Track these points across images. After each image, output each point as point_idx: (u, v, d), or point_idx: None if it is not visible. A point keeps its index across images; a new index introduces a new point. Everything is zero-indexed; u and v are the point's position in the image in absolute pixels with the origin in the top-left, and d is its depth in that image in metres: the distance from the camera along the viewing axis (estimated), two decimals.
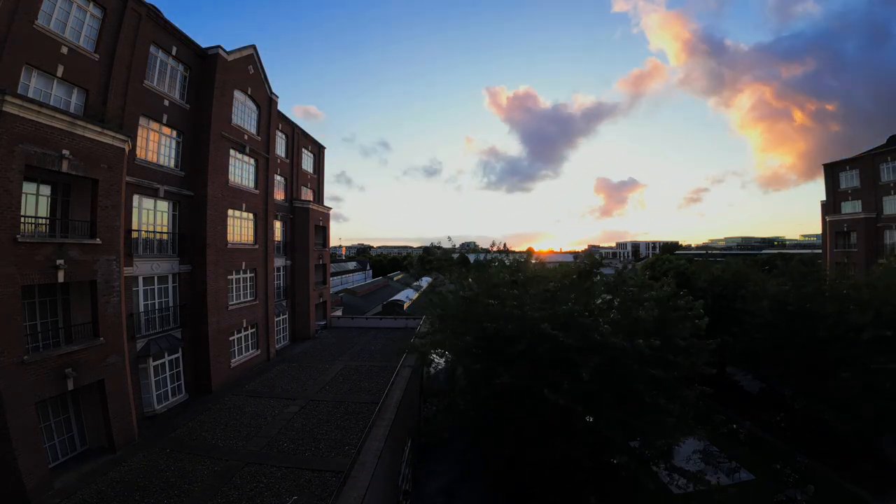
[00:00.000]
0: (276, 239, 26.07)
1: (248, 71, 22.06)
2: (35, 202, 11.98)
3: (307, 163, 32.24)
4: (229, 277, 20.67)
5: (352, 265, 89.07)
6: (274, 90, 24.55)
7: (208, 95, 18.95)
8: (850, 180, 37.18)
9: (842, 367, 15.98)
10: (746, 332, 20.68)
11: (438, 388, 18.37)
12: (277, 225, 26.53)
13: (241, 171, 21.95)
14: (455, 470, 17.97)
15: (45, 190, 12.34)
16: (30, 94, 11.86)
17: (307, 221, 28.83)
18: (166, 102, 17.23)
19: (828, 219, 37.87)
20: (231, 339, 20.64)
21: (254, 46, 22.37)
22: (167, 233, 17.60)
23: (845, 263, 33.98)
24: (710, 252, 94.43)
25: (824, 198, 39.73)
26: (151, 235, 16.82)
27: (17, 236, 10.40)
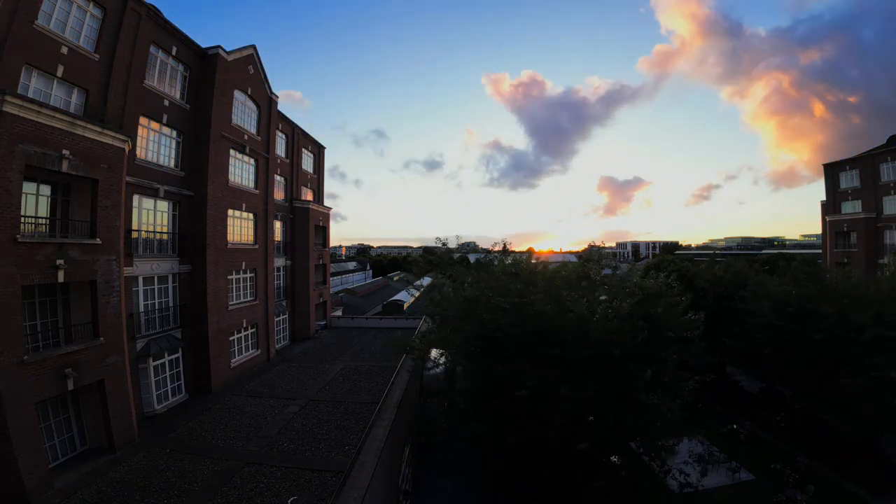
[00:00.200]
0: (276, 239, 26.07)
1: (248, 71, 22.07)
2: (35, 202, 11.98)
3: (307, 163, 32.25)
4: (229, 277, 20.67)
5: (352, 265, 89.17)
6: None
7: (208, 95, 18.95)
8: (850, 180, 37.16)
9: (842, 368, 15.97)
10: (747, 332, 20.66)
11: (438, 388, 18.37)
12: (277, 225, 26.54)
13: (241, 171, 21.95)
14: (455, 470, 17.95)
15: (45, 190, 12.34)
16: (30, 94, 11.86)
17: (307, 221, 28.83)
18: (166, 102, 17.23)
19: (828, 219, 37.86)
20: (231, 339, 20.64)
21: (254, 46, 22.37)
22: (167, 233, 17.60)
23: (845, 263, 34.00)
24: (714, 252, 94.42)
25: (824, 198, 39.76)
26: (151, 235, 16.82)
27: (17, 236, 10.40)
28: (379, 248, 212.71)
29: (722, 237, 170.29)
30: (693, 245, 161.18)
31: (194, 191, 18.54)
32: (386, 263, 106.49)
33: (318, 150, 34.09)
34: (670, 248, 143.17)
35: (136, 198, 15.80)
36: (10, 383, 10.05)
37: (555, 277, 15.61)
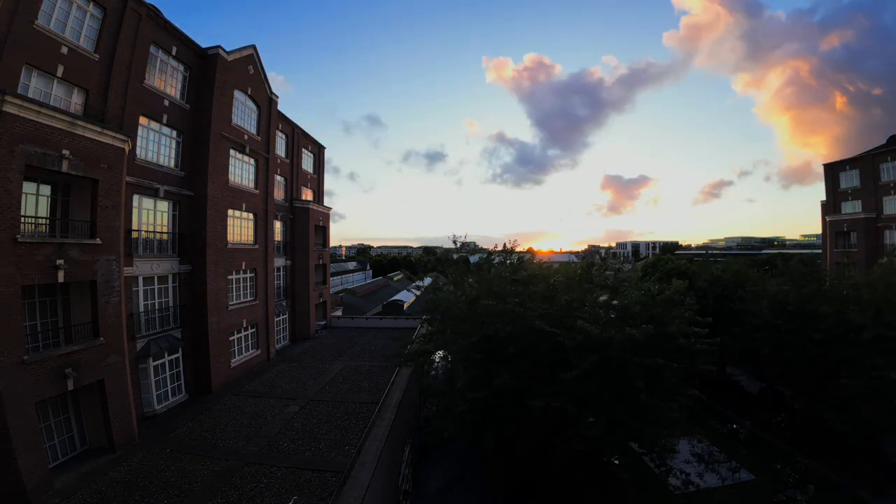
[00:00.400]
0: (276, 239, 26.06)
1: (248, 71, 22.07)
2: (35, 202, 11.97)
3: (307, 163, 32.24)
4: (229, 277, 20.67)
5: (352, 265, 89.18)
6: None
7: (208, 95, 18.95)
8: (850, 180, 37.17)
9: (842, 368, 15.97)
10: (746, 332, 20.68)
11: (438, 388, 18.37)
12: (277, 225, 26.53)
13: (241, 171, 21.94)
14: (455, 470, 17.96)
15: (45, 190, 12.33)
16: (30, 94, 11.86)
17: (307, 221, 28.83)
18: (166, 102, 17.23)
19: (828, 219, 37.86)
20: (231, 339, 20.64)
21: (253, 46, 22.37)
22: (167, 233, 17.60)
23: (845, 263, 34.01)
24: (709, 252, 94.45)
25: (824, 198, 39.77)
26: (151, 235, 16.81)
27: (17, 236, 10.40)
28: (379, 248, 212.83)
29: (722, 237, 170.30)
30: (693, 245, 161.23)
31: (194, 191, 18.54)
32: (386, 263, 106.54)
33: (318, 150, 34.11)
34: (670, 248, 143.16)
35: (136, 198, 15.79)
36: (10, 383, 10.04)
37: (556, 282, 15.59)
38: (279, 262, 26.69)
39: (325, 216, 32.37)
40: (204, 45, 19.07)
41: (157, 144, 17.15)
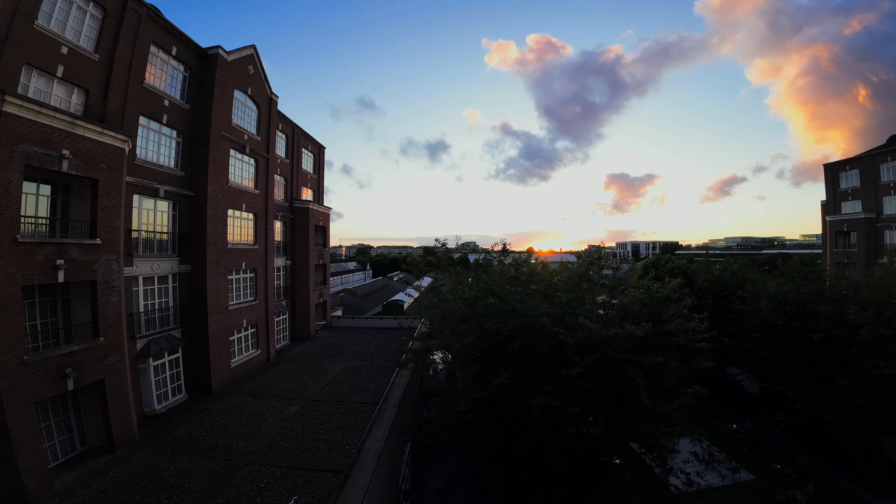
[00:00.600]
0: (276, 239, 26.07)
1: (248, 71, 22.07)
2: (35, 202, 11.97)
3: (307, 163, 32.25)
4: (229, 277, 20.67)
5: (352, 265, 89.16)
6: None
7: (208, 95, 18.95)
8: (850, 180, 37.17)
9: (841, 368, 15.96)
10: (746, 332, 20.69)
11: (438, 388, 18.38)
12: (277, 225, 26.54)
13: (241, 171, 21.95)
14: (455, 470, 17.95)
15: (45, 190, 12.33)
16: (30, 94, 11.87)
17: (307, 221, 28.84)
18: (166, 102, 17.23)
19: (828, 219, 37.86)
20: (231, 339, 20.64)
21: (254, 46, 22.38)
22: (167, 233, 17.60)
23: (845, 263, 34.02)
24: (709, 252, 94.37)
25: (824, 198, 39.79)
26: (151, 235, 16.82)
27: (18, 236, 10.40)
28: (379, 248, 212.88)
29: (722, 237, 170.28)
30: (693, 245, 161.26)
31: (194, 191, 18.54)
32: (386, 263, 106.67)
33: (318, 150, 34.12)
34: (670, 248, 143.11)
35: (136, 198, 15.79)
36: (10, 383, 10.04)
37: (555, 280, 15.61)
38: (279, 262, 26.69)
39: (325, 216, 32.39)
40: (204, 45, 19.08)
41: (157, 144, 17.15)
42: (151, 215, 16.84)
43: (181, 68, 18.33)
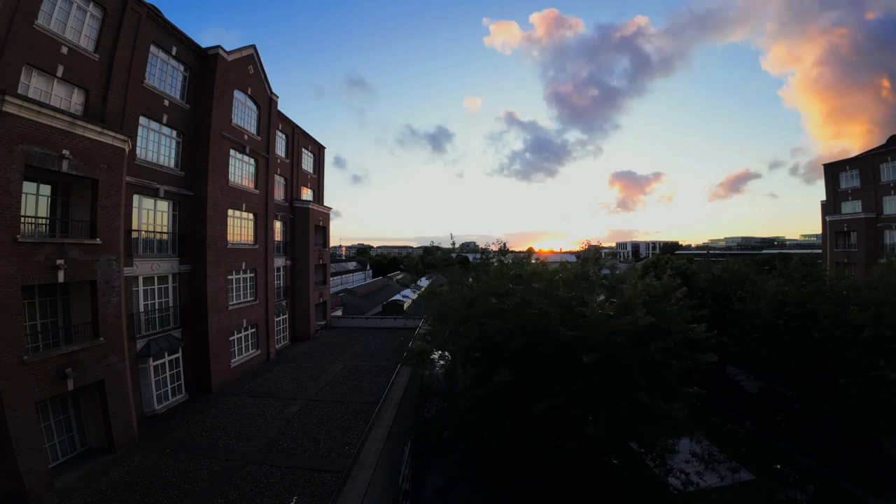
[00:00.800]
0: (276, 239, 26.06)
1: (248, 71, 22.07)
2: (35, 202, 11.97)
3: (307, 163, 32.25)
4: (229, 277, 20.67)
5: (352, 265, 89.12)
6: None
7: (208, 95, 18.95)
8: (850, 180, 37.18)
9: (841, 368, 15.97)
10: (746, 332, 20.68)
11: (438, 388, 18.37)
12: (277, 225, 26.53)
13: (241, 171, 21.95)
14: (455, 470, 17.95)
15: (45, 190, 12.33)
16: (30, 94, 11.85)
17: (307, 221, 28.83)
18: (166, 102, 17.23)
19: (828, 219, 37.87)
20: (231, 339, 20.63)
21: (253, 46, 22.38)
22: (167, 233, 17.60)
23: (845, 263, 34.02)
24: (709, 252, 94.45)
25: (824, 198, 39.80)
26: (151, 235, 16.82)
27: (18, 236, 10.40)
28: (379, 248, 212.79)
29: (722, 237, 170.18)
30: (693, 245, 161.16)
31: (194, 191, 18.54)
32: (386, 263, 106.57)
33: (318, 150, 34.12)
34: (670, 248, 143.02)
35: (136, 198, 15.79)
36: (10, 383, 10.04)
37: (554, 278, 15.59)
38: (279, 262, 26.69)
39: (326, 216, 32.39)
40: (204, 45, 19.08)
41: (157, 144, 17.15)
42: (151, 215, 16.84)
43: (181, 68, 18.33)
